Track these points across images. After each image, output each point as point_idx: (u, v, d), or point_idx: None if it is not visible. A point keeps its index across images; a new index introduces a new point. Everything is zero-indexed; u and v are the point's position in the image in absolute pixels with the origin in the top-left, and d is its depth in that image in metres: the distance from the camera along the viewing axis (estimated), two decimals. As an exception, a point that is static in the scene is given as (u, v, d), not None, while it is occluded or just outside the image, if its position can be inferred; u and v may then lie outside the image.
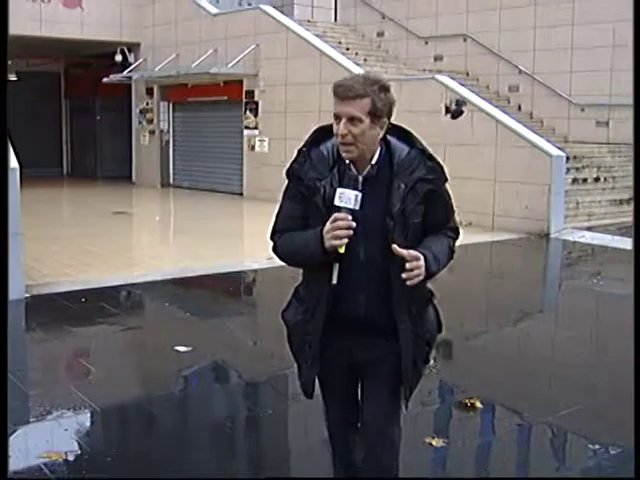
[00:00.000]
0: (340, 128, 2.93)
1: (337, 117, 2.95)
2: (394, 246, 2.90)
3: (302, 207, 3.07)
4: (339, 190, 2.91)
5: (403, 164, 3.02)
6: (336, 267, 2.93)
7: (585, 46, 16.40)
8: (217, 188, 18.88)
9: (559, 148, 13.34)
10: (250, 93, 17.84)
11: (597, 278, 9.84)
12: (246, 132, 18.05)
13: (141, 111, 21.19)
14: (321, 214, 2.97)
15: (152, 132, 20.87)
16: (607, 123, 16.49)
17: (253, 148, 17.89)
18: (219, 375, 6.28)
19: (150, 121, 20.87)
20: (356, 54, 18.04)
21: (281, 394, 5.75)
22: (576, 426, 5.06)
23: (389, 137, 3.06)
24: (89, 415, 5.10)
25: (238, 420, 5.29)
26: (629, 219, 14.04)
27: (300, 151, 3.14)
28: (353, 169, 2.99)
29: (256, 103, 17.71)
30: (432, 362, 3.37)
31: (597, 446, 4.75)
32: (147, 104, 20.94)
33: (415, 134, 3.14)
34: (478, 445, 4.85)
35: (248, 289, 9.83)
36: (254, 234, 13.78)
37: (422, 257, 2.92)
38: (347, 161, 2.99)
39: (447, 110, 13.62)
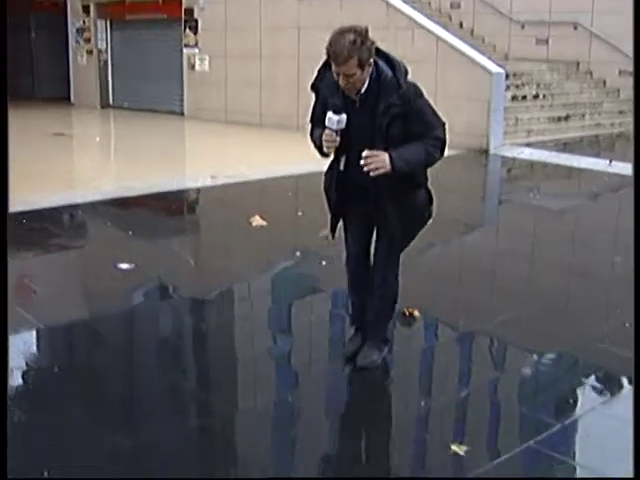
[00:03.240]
0: (341, 81, 3.92)
1: (337, 74, 3.90)
2: (364, 152, 3.91)
3: (321, 109, 4.13)
4: (328, 114, 3.96)
5: (386, 87, 3.96)
6: (343, 159, 4.14)
7: (526, -38, 16.40)
8: (158, 108, 18.58)
9: (499, 65, 13.40)
10: (189, 11, 17.46)
11: (534, 193, 10.05)
12: (186, 50, 17.75)
13: (78, 30, 20.63)
14: None
15: (90, 52, 20.38)
16: (547, 41, 16.58)
17: (193, 67, 17.63)
18: (162, 291, 6.34)
19: (87, 40, 20.35)
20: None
21: (225, 309, 5.85)
22: (512, 334, 5.26)
23: (379, 61, 3.98)
24: (34, 333, 5.14)
25: (183, 334, 5.38)
26: (566, 135, 14.29)
27: (319, 71, 4.14)
28: (351, 95, 4.01)
29: (196, 21, 17.37)
30: (430, 221, 4.42)
31: (534, 353, 4.95)
32: (84, 22, 20.38)
33: (397, 62, 4.03)
34: (418, 351, 5.02)
35: (190, 208, 9.83)
36: (196, 153, 13.75)
37: (385, 155, 3.92)
38: None
39: None
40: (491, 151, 12.61)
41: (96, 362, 4.80)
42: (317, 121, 4.21)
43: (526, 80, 15.08)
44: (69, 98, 21.39)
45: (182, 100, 18.12)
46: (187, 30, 17.61)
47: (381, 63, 3.98)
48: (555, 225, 8.60)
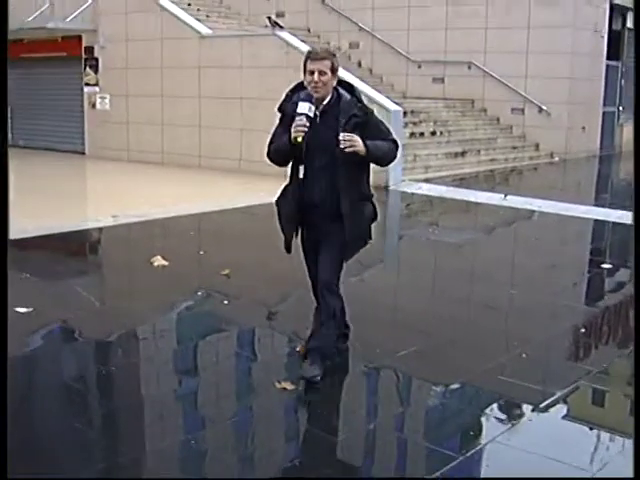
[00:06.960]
0: (315, 77, 4.59)
1: (312, 72, 4.61)
2: (341, 134, 4.54)
3: (284, 129, 4.73)
4: (300, 103, 4.59)
5: (345, 105, 4.68)
6: (302, 167, 4.72)
7: (420, 5, 16.90)
8: (57, 147, 18.35)
9: (397, 103, 13.71)
10: (90, 49, 17.38)
11: (433, 227, 10.28)
12: (86, 89, 17.61)
13: (-28, 68, 20.18)
14: None
15: (-15, 90, 19.94)
16: (442, 79, 17.09)
17: (94, 106, 17.48)
18: (63, 334, 6.21)
19: (-17, 78, 19.92)
20: (198, 10, 17.83)
21: (127, 351, 5.77)
22: (414, 367, 5.35)
23: (340, 88, 4.73)
24: None
25: (85, 378, 5.28)
26: (463, 171, 14.70)
27: (287, 95, 4.81)
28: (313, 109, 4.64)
29: (96, 59, 17.28)
30: (372, 240, 5.03)
31: (436, 386, 5.05)
32: (-21, 60, 19.96)
33: (355, 87, 4.83)
34: (324, 387, 5.03)
35: (92, 248, 9.69)
36: (98, 193, 13.58)
37: (359, 139, 4.55)
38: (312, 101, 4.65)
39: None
40: (391, 187, 12.85)
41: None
42: (278, 139, 4.79)
43: (423, 117, 15.48)
44: (-36, 138, 20.82)
45: (83, 139, 17.92)
46: (87, 69, 17.50)
47: (341, 89, 4.74)
48: (453, 259, 8.80)
